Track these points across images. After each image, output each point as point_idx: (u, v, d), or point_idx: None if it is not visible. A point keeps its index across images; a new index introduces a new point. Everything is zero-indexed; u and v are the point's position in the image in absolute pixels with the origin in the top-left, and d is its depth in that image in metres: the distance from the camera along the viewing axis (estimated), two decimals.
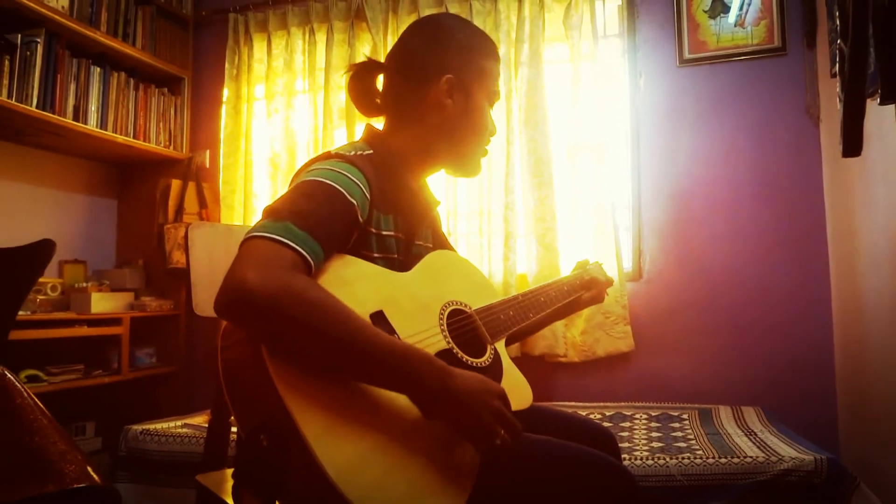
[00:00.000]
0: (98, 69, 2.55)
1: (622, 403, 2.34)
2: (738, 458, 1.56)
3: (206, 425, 1.31)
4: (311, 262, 0.82)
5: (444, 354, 0.95)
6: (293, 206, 0.85)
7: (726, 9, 2.47)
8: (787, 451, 1.57)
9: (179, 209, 2.79)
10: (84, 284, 2.55)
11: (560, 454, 0.96)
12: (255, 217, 2.74)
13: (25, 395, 0.65)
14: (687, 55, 2.50)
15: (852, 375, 2.13)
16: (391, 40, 2.67)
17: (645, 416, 2.14)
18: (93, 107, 2.52)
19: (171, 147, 2.89)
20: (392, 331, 0.90)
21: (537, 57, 2.53)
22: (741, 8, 2.45)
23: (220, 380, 0.85)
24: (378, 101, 1.11)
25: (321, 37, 2.80)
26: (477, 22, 2.54)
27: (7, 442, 0.59)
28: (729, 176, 2.44)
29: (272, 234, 0.80)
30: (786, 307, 2.34)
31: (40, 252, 1.63)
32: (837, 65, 1.35)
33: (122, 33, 2.64)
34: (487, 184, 2.54)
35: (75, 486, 0.57)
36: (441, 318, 0.99)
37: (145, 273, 2.87)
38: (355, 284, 0.90)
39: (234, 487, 0.92)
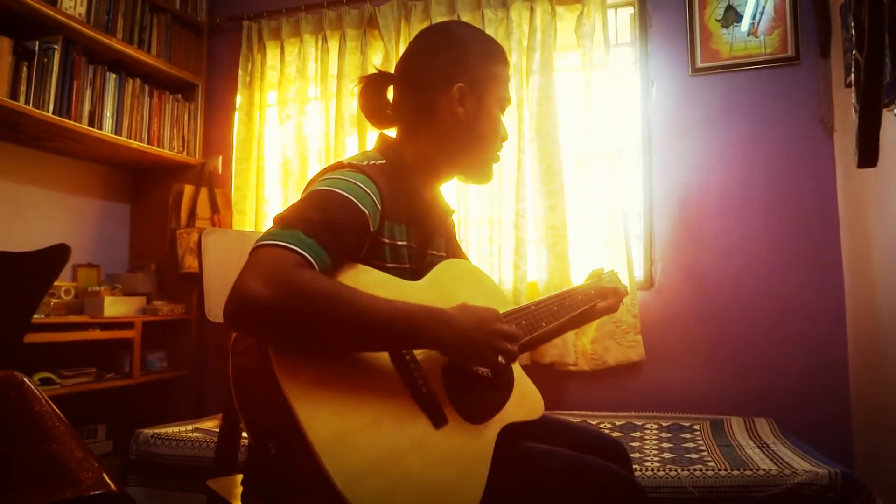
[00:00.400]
0: (113, 75, 2.58)
1: (632, 413, 2.32)
2: (752, 470, 1.54)
3: (217, 430, 1.31)
4: (317, 267, 0.81)
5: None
6: (302, 214, 0.85)
7: (739, 18, 2.46)
8: (801, 464, 1.56)
9: (192, 214, 2.81)
10: (97, 288, 2.58)
11: (572, 466, 0.95)
12: (267, 222, 2.76)
13: (44, 402, 0.66)
14: (699, 64, 2.49)
15: (868, 388, 2.10)
16: (403, 48, 2.66)
17: (656, 427, 2.12)
18: (108, 112, 2.55)
19: (185, 153, 2.91)
20: None
21: (549, 65, 2.52)
22: (754, 17, 2.44)
23: (229, 385, 0.86)
24: (389, 111, 1.11)
25: (334, 44, 2.82)
26: (489, 30, 2.55)
27: (26, 449, 0.60)
28: (741, 185, 2.42)
29: (279, 242, 0.80)
30: (799, 318, 2.32)
31: (56, 257, 1.65)
32: (853, 75, 1.34)
33: (138, 40, 2.67)
34: (498, 192, 2.53)
35: (92, 493, 0.58)
36: None
37: (157, 277, 2.89)
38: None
39: (243, 493, 0.92)
